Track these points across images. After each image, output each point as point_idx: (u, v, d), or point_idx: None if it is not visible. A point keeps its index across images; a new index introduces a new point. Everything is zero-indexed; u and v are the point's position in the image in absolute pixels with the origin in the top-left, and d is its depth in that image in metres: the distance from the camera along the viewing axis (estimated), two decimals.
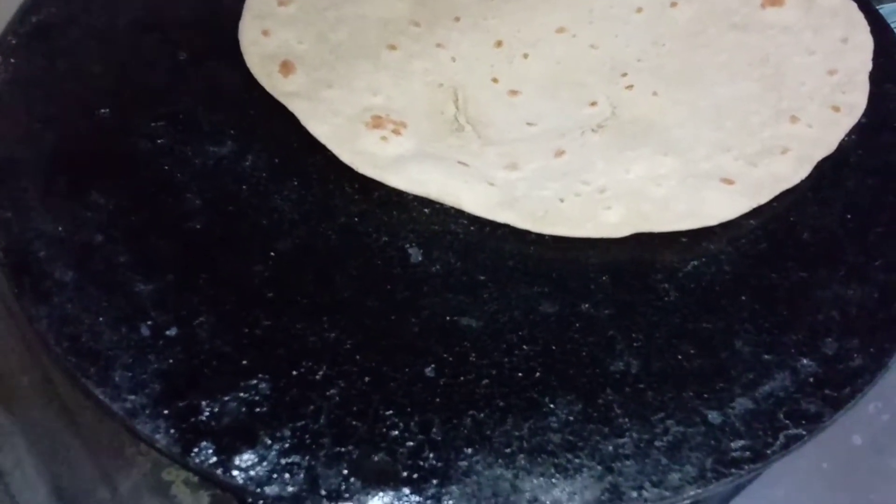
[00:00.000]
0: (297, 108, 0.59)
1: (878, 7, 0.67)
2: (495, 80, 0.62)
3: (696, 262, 0.53)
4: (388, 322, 0.50)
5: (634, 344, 0.49)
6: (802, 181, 0.56)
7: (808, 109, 0.59)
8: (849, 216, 0.55)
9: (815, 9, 0.66)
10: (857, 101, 0.60)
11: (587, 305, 0.51)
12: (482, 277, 0.52)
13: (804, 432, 0.46)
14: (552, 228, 0.54)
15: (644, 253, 0.54)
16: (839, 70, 0.61)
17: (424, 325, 0.50)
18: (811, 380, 0.48)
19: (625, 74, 0.63)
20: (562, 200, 0.55)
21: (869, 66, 0.61)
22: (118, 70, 0.60)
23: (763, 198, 0.55)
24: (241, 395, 0.46)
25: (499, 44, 0.65)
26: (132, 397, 0.46)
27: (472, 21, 0.66)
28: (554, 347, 0.49)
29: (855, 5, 0.66)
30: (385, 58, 0.63)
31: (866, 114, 0.60)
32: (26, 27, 0.61)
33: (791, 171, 0.56)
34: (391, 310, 0.50)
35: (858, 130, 0.59)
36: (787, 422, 0.46)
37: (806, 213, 0.55)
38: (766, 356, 0.49)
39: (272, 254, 0.52)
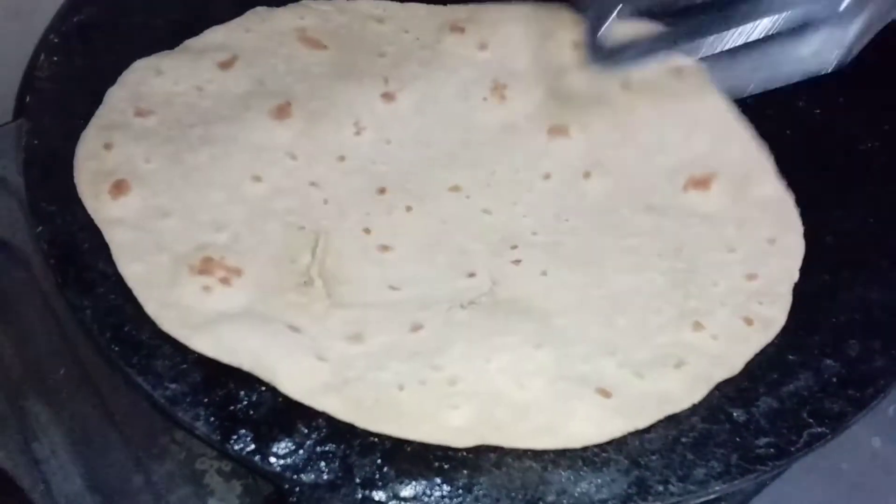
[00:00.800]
0: (114, 237, 0.51)
1: None
2: (367, 231, 0.54)
3: None
4: None
5: None
6: (824, 194, 0.56)
7: (716, 316, 0.51)
8: (871, 220, 0.56)
9: (745, 199, 0.57)
10: (774, 316, 0.51)
11: None
12: None
13: (827, 431, 0.47)
14: (379, 425, 0.46)
15: None
16: (760, 276, 0.53)
17: None
18: (834, 380, 0.49)
19: (514, 247, 0.54)
20: (401, 388, 0.47)
21: (795, 276, 0.53)
22: None
23: (642, 421, 0.46)
24: None
25: (382, 191, 0.56)
26: (173, 386, 0.47)
27: (360, 163, 0.57)
28: None
29: (791, 200, 0.57)
30: (245, 190, 0.54)
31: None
32: (68, 27, 0.62)
33: (682, 391, 0.48)
34: None
35: (883, 137, 0.59)
36: (810, 420, 0.47)
37: (829, 216, 0.56)
38: (790, 356, 0.50)
39: None
